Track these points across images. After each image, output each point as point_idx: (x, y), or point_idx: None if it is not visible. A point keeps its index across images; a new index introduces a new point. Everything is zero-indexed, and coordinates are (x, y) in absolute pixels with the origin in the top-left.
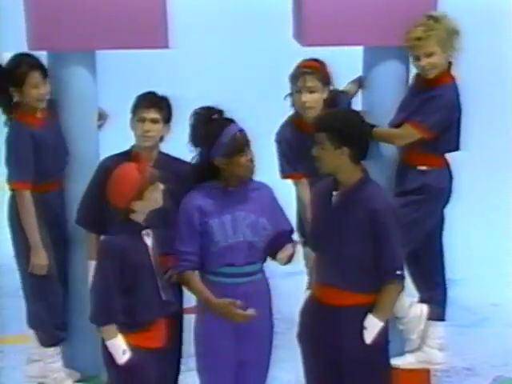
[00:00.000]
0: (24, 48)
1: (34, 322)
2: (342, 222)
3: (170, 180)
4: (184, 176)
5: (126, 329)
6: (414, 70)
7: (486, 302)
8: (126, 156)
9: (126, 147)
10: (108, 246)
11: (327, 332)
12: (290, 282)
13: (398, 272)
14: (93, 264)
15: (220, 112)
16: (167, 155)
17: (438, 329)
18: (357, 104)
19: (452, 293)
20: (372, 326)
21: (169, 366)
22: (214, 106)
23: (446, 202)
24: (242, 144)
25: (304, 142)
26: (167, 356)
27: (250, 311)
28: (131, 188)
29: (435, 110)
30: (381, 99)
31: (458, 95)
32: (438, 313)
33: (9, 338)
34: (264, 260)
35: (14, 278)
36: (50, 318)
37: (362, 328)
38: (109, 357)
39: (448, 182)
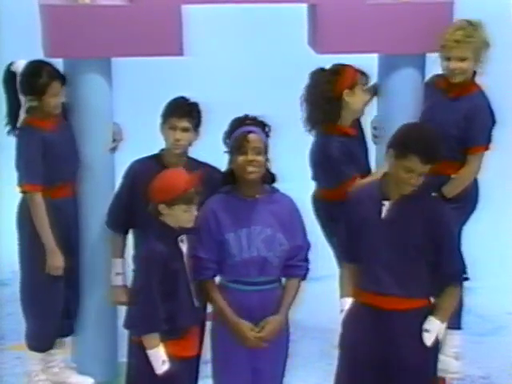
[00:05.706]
0: (25, 55)
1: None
2: (404, 230)
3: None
4: (212, 181)
5: (164, 336)
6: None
7: (502, 311)
8: (155, 159)
9: (140, 153)
10: (150, 254)
11: (379, 336)
12: (304, 290)
13: (462, 275)
14: (117, 262)
15: (256, 120)
16: (195, 160)
17: (454, 337)
18: (372, 111)
19: (468, 301)
20: (434, 329)
21: (195, 373)
22: (252, 116)
23: (474, 209)
24: (241, 143)
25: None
26: (195, 364)
27: (264, 344)
28: (166, 189)
29: (483, 123)
30: (396, 106)
31: (489, 101)
32: (454, 321)
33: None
34: (281, 275)
35: None
36: (46, 323)
37: (419, 331)
38: (144, 366)
39: (477, 189)
